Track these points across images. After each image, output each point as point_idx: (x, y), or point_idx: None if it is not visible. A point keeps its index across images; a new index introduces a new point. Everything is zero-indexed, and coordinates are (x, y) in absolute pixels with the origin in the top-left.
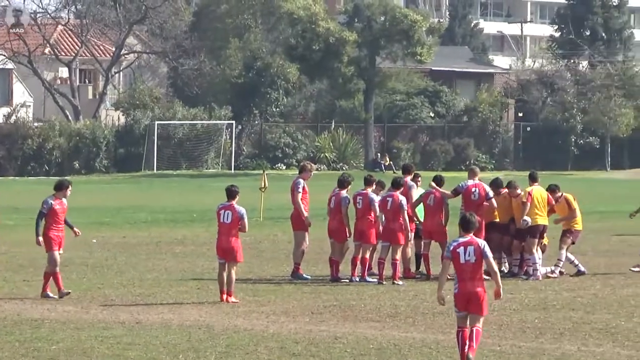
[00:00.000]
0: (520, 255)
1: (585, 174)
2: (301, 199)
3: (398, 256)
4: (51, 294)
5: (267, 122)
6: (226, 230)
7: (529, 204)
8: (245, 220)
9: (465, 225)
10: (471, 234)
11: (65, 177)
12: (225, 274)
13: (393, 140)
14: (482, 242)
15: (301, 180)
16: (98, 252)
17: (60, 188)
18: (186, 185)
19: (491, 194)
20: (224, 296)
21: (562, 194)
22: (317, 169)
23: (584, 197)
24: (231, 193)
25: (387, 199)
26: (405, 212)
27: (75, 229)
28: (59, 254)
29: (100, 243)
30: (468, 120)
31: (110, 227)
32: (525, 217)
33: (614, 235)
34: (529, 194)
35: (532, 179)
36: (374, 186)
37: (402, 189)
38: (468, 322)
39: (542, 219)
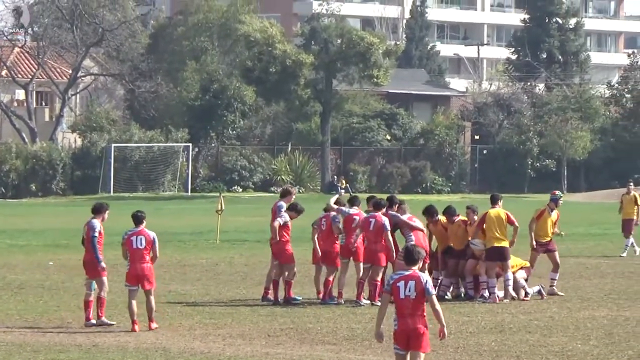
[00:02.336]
0: (474, 278)
1: (541, 196)
2: None
3: (379, 277)
4: (107, 321)
5: (224, 144)
6: (140, 256)
7: (478, 228)
8: (157, 245)
9: (409, 258)
10: (414, 268)
11: (102, 201)
12: (135, 304)
13: (350, 162)
14: (424, 277)
15: (283, 204)
16: (55, 274)
17: (99, 211)
18: (142, 207)
19: (420, 225)
20: (136, 326)
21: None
22: (274, 191)
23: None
24: (139, 218)
25: (370, 220)
26: (389, 233)
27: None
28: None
29: (57, 265)
30: (424, 143)
31: (67, 249)
32: (474, 241)
33: (571, 257)
34: (482, 216)
35: (492, 201)
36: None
37: (383, 210)
38: None
39: (499, 242)
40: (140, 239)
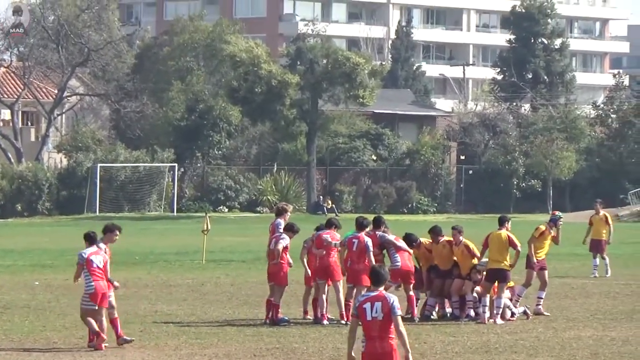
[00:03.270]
0: (460, 298)
1: (527, 217)
2: None
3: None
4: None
5: (210, 164)
6: (102, 276)
7: (482, 248)
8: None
9: (376, 279)
10: (381, 288)
11: (114, 222)
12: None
13: (335, 183)
14: (391, 298)
15: (281, 222)
16: (40, 294)
17: (108, 230)
18: (128, 228)
19: (405, 245)
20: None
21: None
22: (260, 212)
23: (526, 240)
24: (94, 239)
25: (353, 240)
26: (371, 253)
27: (115, 283)
28: (111, 294)
29: (43, 285)
30: (410, 163)
31: (53, 269)
32: (482, 261)
33: (557, 277)
34: (486, 238)
35: (500, 223)
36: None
37: (367, 229)
38: None
39: (497, 264)
40: (99, 259)
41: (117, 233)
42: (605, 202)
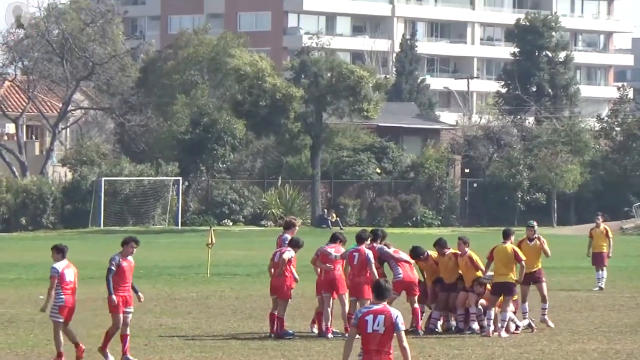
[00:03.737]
0: (465, 311)
1: None
2: None
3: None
4: (110, 356)
5: (214, 178)
6: (73, 290)
7: (487, 261)
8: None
9: (379, 293)
10: (384, 303)
11: (132, 235)
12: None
13: (340, 196)
14: (395, 313)
15: (288, 236)
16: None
17: (125, 243)
18: None
19: (406, 257)
20: (63, 358)
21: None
22: (264, 225)
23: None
24: (65, 252)
25: (354, 253)
26: (373, 265)
27: (139, 294)
28: (130, 311)
29: None
30: (414, 176)
31: None
32: (487, 275)
33: (561, 290)
34: (491, 251)
35: (504, 237)
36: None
37: (367, 242)
38: None
39: (503, 277)
40: (71, 272)
41: (134, 245)
42: (609, 215)
